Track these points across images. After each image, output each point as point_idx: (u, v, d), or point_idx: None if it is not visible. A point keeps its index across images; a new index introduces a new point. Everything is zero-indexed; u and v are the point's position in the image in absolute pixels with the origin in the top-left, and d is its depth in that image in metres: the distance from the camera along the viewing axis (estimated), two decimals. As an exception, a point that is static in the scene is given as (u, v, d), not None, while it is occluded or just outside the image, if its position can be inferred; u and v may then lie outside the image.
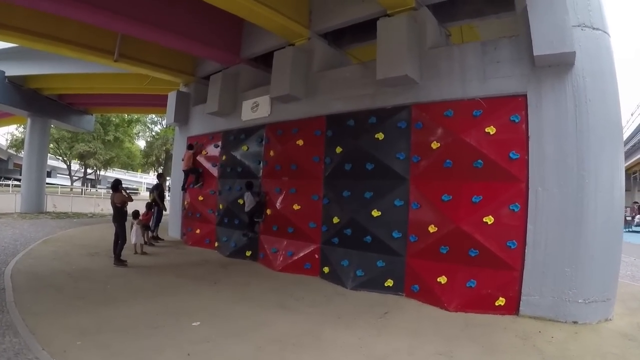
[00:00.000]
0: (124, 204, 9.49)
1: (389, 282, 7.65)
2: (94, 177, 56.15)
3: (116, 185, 9.53)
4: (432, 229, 7.26)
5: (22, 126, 39.32)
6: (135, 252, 10.45)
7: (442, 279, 6.97)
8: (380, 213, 8.00)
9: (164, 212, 13.36)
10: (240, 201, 11.00)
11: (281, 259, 9.78)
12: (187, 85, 14.86)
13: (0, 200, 23.45)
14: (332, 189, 9.14)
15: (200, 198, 12.85)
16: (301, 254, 9.45)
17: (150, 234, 12.39)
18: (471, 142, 6.96)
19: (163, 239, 13.17)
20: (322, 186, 9.35)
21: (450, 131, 7.24)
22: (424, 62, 7.60)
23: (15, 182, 37.88)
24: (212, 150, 12.81)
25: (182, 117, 14.34)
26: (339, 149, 9.04)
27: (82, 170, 51.69)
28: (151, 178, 66.98)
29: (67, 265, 8.87)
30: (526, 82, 6.64)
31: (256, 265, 10.20)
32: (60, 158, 47.49)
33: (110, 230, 15.51)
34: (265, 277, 8.98)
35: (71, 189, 43.80)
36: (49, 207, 23.48)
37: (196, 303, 6.76)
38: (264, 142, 10.90)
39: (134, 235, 10.54)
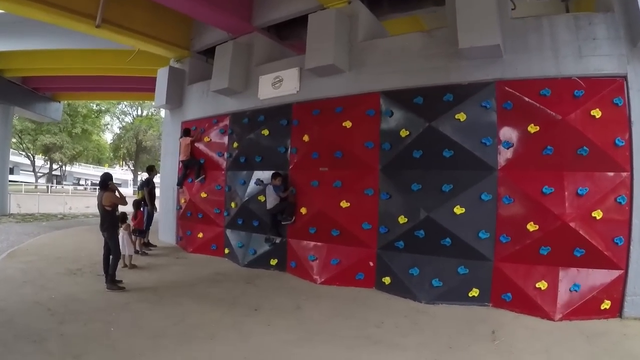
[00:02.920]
0: (115, 206, 7.51)
1: (474, 292, 6.69)
2: (59, 173, 53.29)
3: (105, 181, 7.50)
4: (531, 227, 6.44)
5: None
6: (125, 266, 8.73)
7: (542, 285, 6.29)
8: (463, 210, 6.90)
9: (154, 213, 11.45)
10: (262, 198, 9.34)
11: (323, 268, 8.23)
12: (180, 61, 12.97)
13: None
14: (394, 181, 7.72)
15: (203, 195, 10.99)
16: (351, 262, 8.01)
17: (140, 240, 10.51)
18: (576, 126, 6.36)
19: (155, 245, 11.34)
20: (378, 178, 7.91)
21: (551, 113, 6.53)
22: (507, 33, 6.77)
23: None
24: (217, 137, 11.01)
25: (175, 98, 12.39)
26: (404, 132, 7.64)
27: (47, 166, 48.87)
28: (119, 173, 66.51)
29: (43, 293, 6.90)
30: (625, 62, 6.22)
31: (288, 278, 8.64)
32: (24, 153, 45.79)
33: (88, 235, 13.60)
34: (311, 295, 7.43)
35: (36, 186, 42.40)
36: (13, 209, 21.45)
37: (251, 350, 5.05)
38: (291, 125, 9.26)
39: (124, 243, 8.70)
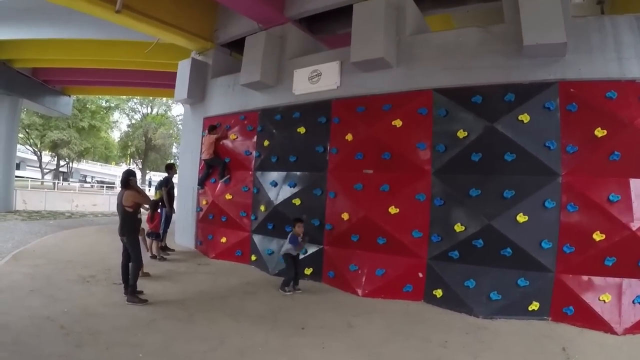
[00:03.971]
0: (137, 207, 6.79)
1: (534, 305, 6.29)
2: (66, 170, 53.45)
3: (127, 179, 6.79)
4: (597, 236, 6.10)
5: None
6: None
7: (606, 297, 5.98)
8: (526, 218, 6.49)
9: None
10: (296, 201, 8.86)
11: (367, 280, 7.65)
12: (202, 53, 12.42)
13: None
14: (449, 186, 7.21)
15: (228, 196, 10.42)
16: (399, 273, 7.45)
17: (158, 244, 9.95)
18: (646, 130, 5.87)
19: (173, 250, 10.77)
20: (430, 182, 7.37)
21: (618, 117, 6.22)
22: (569, 32, 6.38)
23: None
24: (245, 134, 10.46)
25: (197, 93, 11.88)
26: (461, 133, 7.14)
27: (54, 162, 48.96)
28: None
29: (54, 305, 6.13)
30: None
31: (325, 289, 8.07)
32: (31, 149, 45.38)
33: (99, 236, 13.06)
34: (359, 310, 6.83)
35: (42, 182, 42.10)
36: (19, 205, 21.16)
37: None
38: (330, 122, 8.72)
39: None
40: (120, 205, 6.63)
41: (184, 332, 5.40)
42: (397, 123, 7.69)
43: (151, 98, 48.08)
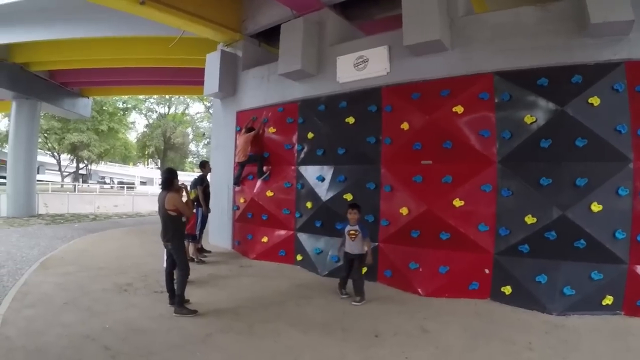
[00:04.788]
0: (182, 211, 6.31)
1: (608, 300, 6.13)
2: (85, 172, 54.98)
3: (170, 179, 6.40)
4: None
5: (7, 118, 38.28)
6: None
7: None
8: (601, 207, 6.30)
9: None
10: (348, 196, 8.67)
11: (429, 278, 7.47)
12: (230, 45, 12.32)
13: None
14: (518, 175, 7.02)
15: (269, 193, 10.31)
16: (464, 270, 7.27)
17: (194, 246, 9.92)
18: None
19: (210, 251, 10.66)
20: (496, 172, 7.16)
21: None
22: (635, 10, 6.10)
23: (1, 180, 36.00)
24: (284, 127, 10.30)
25: (228, 86, 11.79)
26: (529, 119, 6.93)
27: (73, 165, 50.53)
28: (145, 171, 72.35)
29: (93, 321, 5.79)
30: None
31: (382, 289, 7.84)
32: (50, 152, 47.07)
33: (128, 239, 13.06)
34: (428, 312, 6.55)
35: (62, 185, 43.22)
36: (41, 209, 21.50)
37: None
38: (382, 111, 8.49)
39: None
40: (162, 209, 6.26)
41: (248, 348, 5.05)
42: (458, 109, 7.48)
43: (168, 97, 49.42)
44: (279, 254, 9.92)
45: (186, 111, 54.33)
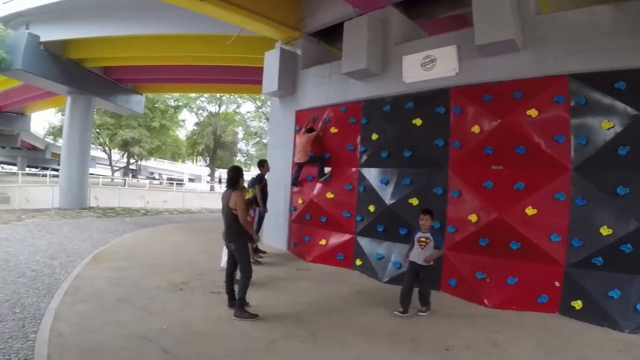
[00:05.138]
0: (239, 212, 6.27)
1: None
2: (135, 167, 59.17)
3: (235, 177, 6.49)
4: None
5: (61, 112, 42.42)
6: None
7: None
8: None
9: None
10: (413, 201, 8.80)
11: (496, 289, 7.47)
12: (289, 43, 12.68)
13: (36, 193, 22.32)
14: (594, 183, 6.94)
15: (329, 195, 10.58)
16: (533, 282, 7.22)
17: (251, 246, 9.90)
18: None
19: (265, 252, 10.93)
20: (570, 180, 7.14)
21: None
22: None
23: (53, 173, 40.68)
24: (346, 127, 10.49)
25: (287, 84, 12.13)
26: (606, 124, 6.86)
27: (123, 160, 54.33)
28: (194, 169, 77.71)
29: (150, 321, 5.89)
30: None
31: (446, 299, 7.83)
32: (101, 147, 50.50)
33: (181, 236, 13.64)
34: (497, 325, 6.50)
35: (112, 179, 45.96)
36: (92, 202, 23.01)
37: None
38: (450, 113, 8.59)
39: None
40: (226, 208, 6.34)
41: (314, 358, 5.06)
42: (532, 113, 7.46)
43: (218, 96, 51.67)
44: (337, 258, 10.14)
45: (237, 110, 56.28)
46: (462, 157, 8.29)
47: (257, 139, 57.24)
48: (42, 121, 53.57)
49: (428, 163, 8.72)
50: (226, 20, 11.96)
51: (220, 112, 54.81)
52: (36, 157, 63.39)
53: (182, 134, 59.73)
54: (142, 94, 27.43)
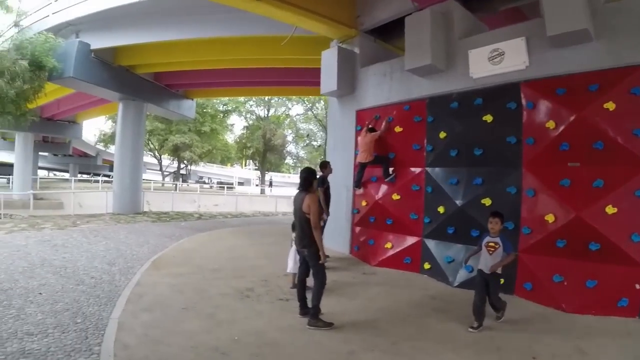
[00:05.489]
0: (312, 216, 6.23)
1: None
2: (184, 172, 62.16)
3: (309, 179, 6.48)
4: None
5: (111, 120, 46.78)
6: (294, 286, 8.00)
7: None
8: None
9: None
10: (486, 201, 8.81)
11: (575, 293, 7.35)
12: (345, 42, 12.86)
13: (90, 199, 23.60)
14: None
15: (395, 197, 10.68)
16: (613, 285, 7.08)
17: None
18: None
19: (328, 256, 10.72)
20: None
21: None
22: None
23: (105, 179, 45.55)
24: (411, 126, 10.57)
25: (346, 83, 12.31)
26: None
27: (173, 165, 58.10)
28: (243, 172, 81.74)
29: (219, 331, 5.93)
30: None
31: (520, 303, 7.72)
32: (151, 153, 53.05)
33: (238, 240, 14.11)
34: (580, 332, 6.36)
35: (163, 184, 49.79)
36: (145, 206, 24.08)
37: None
38: (522, 108, 8.55)
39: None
40: (299, 211, 6.34)
41: None
42: (609, 106, 7.29)
43: (267, 99, 53.22)
44: (403, 262, 10.23)
45: (287, 113, 58.71)
46: (537, 154, 8.24)
47: (307, 141, 58.63)
48: (92, 129, 56.48)
49: (500, 161, 8.70)
50: (282, 20, 12.32)
51: (268, 115, 56.56)
52: (88, 164, 67.53)
53: (230, 138, 62.31)
54: (192, 99, 28.62)
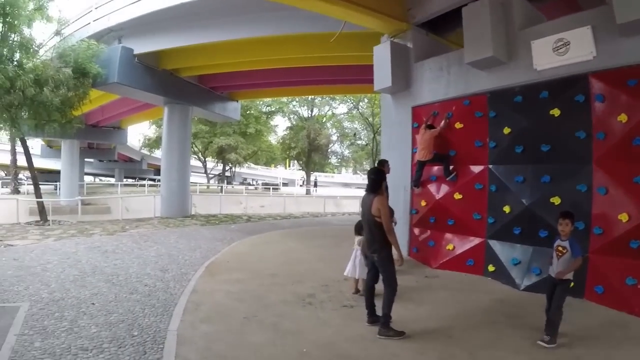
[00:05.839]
0: (384, 221, 6.10)
1: None
2: (229, 174, 64.52)
3: (377, 180, 6.39)
4: None
5: (155, 125, 51.31)
6: (356, 292, 8.18)
7: None
8: None
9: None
10: (555, 200, 8.68)
11: None
12: (396, 36, 12.78)
13: (137, 203, 24.23)
14: None
15: (457, 196, 10.65)
16: None
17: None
18: None
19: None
20: None
21: None
22: None
23: (150, 182, 48.55)
24: (472, 122, 10.52)
25: (400, 79, 12.30)
26: None
27: (217, 167, 60.77)
28: (286, 173, 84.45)
29: (285, 342, 5.84)
30: None
31: (591, 307, 7.58)
32: (195, 156, 55.06)
33: (291, 243, 14.43)
34: None
35: (208, 186, 51.73)
36: (193, 209, 24.84)
37: None
38: (591, 101, 8.38)
39: (356, 263, 8.14)
40: (367, 214, 6.22)
41: None
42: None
43: (309, 98, 53.94)
44: (466, 264, 10.21)
45: (333, 112, 59.78)
46: (608, 149, 8.09)
47: (354, 140, 59.26)
48: (136, 134, 59.01)
49: (569, 158, 8.52)
50: (330, 15, 12.45)
51: (315, 114, 58.14)
52: (133, 169, 70.66)
53: (272, 139, 64.40)
54: (237, 101, 29.37)
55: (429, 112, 11.52)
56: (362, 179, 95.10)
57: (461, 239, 10.51)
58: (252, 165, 71.58)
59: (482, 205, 10.11)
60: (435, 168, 11.15)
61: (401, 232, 11.79)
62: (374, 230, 6.18)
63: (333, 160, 68.69)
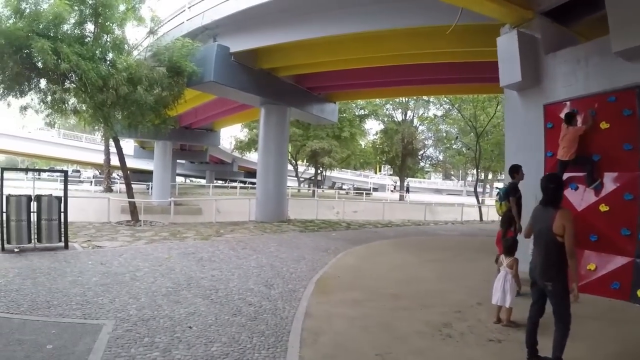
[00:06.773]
0: (567, 241, 5.18)
1: None
2: (320, 178, 66.33)
3: (558, 190, 5.55)
4: None
5: (247, 127, 54.13)
6: (498, 321, 7.29)
7: None
8: None
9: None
10: None
11: None
12: (519, 27, 11.73)
13: (232, 205, 24.36)
14: None
15: (603, 208, 9.61)
16: None
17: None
18: None
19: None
20: None
21: None
22: None
23: (241, 185, 51.58)
24: (619, 122, 9.45)
25: (530, 73, 11.38)
26: None
27: (308, 171, 64.27)
28: (377, 177, 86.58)
29: None
30: None
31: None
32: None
33: (399, 254, 13.99)
34: None
35: (299, 190, 54.03)
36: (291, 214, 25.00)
37: None
38: None
39: (502, 288, 7.28)
40: (547, 233, 5.33)
41: None
42: None
43: (404, 100, 54.30)
44: (610, 287, 9.20)
45: (435, 114, 59.56)
46: None
47: (454, 142, 58.48)
48: (227, 136, 62.75)
49: None
50: (448, 2, 11.70)
51: (405, 118, 58.78)
52: (224, 170, 74.01)
53: (363, 142, 66.44)
54: (335, 102, 29.31)
55: (563, 110, 10.57)
56: (454, 185, 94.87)
57: (605, 258, 9.51)
58: (343, 169, 73.80)
59: (632, 219, 9.05)
60: (574, 175, 10.16)
61: (527, 247, 10.93)
62: (552, 253, 5.29)
63: (426, 164, 69.49)
